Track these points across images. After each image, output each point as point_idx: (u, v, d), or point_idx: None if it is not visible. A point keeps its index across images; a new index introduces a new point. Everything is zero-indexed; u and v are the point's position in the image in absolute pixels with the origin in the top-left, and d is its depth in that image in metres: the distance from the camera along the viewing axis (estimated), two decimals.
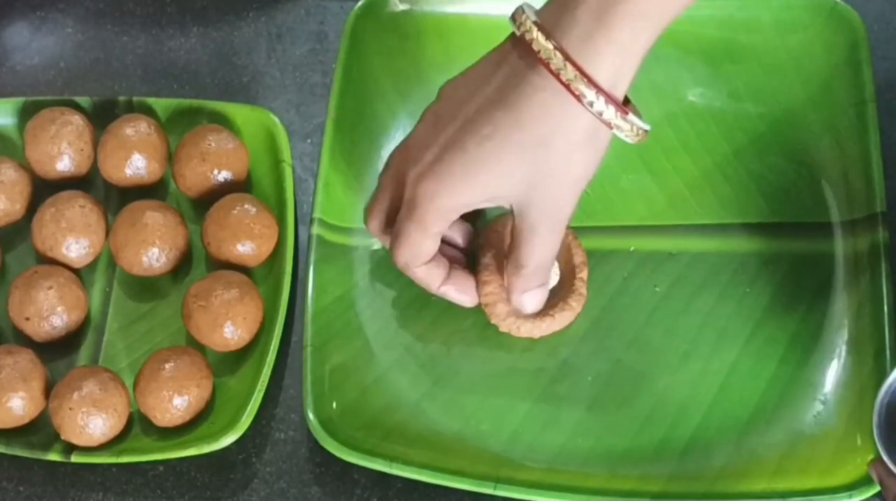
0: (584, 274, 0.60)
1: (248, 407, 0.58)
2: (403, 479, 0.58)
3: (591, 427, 0.59)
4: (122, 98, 0.67)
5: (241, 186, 0.65)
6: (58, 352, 0.62)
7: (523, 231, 0.53)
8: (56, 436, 0.59)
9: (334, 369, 0.60)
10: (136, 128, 0.64)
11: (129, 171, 0.64)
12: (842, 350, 0.60)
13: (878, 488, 0.55)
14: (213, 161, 0.64)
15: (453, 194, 0.52)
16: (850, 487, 0.55)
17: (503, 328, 0.60)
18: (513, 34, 0.52)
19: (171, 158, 0.66)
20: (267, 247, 0.63)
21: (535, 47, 0.49)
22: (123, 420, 0.59)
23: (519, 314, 0.59)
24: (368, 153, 0.66)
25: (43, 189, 0.65)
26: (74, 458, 0.58)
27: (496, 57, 0.53)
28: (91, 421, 0.58)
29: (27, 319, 0.61)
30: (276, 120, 0.66)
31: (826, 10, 0.66)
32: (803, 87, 0.66)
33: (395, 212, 0.56)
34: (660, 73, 0.67)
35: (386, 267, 0.64)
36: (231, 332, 0.60)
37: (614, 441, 0.58)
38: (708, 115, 0.67)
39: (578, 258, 0.61)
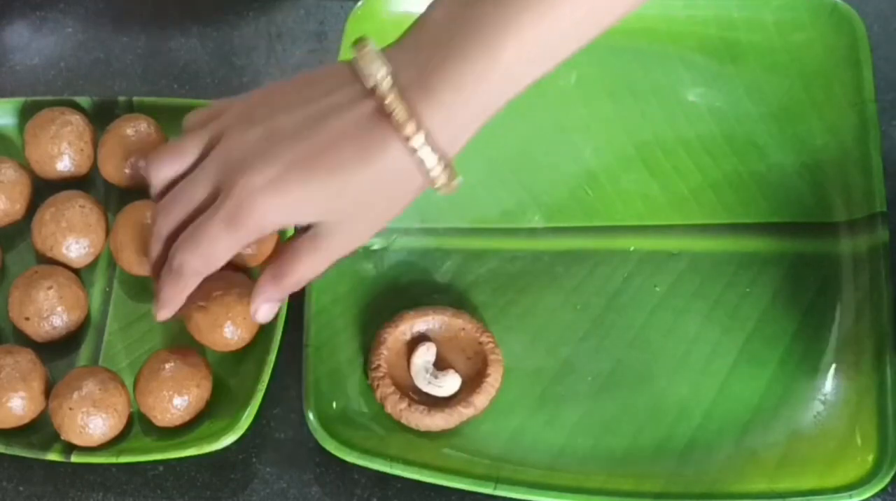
0: (494, 376, 0.59)
1: (249, 407, 0.58)
2: (403, 479, 0.58)
3: (590, 427, 0.59)
4: (122, 98, 0.67)
5: None
6: (58, 352, 0.62)
7: (308, 249, 0.53)
8: (56, 436, 0.58)
9: (334, 369, 0.60)
10: (135, 128, 0.64)
11: (128, 171, 0.64)
12: (842, 350, 0.60)
13: (877, 488, 0.55)
14: None
15: (285, 214, 0.51)
16: (850, 487, 0.55)
17: (404, 420, 0.59)
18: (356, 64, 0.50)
19: None
20: (267, 247, 0.63)
21: (396, 120, 0.49)
22: (123, 420, 0.59)
23: (421, 408, 0.59)
24: None
25: (43, 189, 0.65)
26: (74, 458, 0.58)
27: (340, 81, 0.51)
28: (91, 421, 0.57)
29: (27, 319, 0.61)
30: None
31: (826, 10, 0.66)
32: (804, 87, 0.66)
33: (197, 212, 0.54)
34: (660, 73, 0.67)
35: (387, 267, 0.64)
36: (231, 332, 0.60)
37: (614, 440, 0.58)
38: (708, 115, 0.67)
39: (493, 365, 0.60)
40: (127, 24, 0.73)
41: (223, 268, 0.62)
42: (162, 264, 0.55)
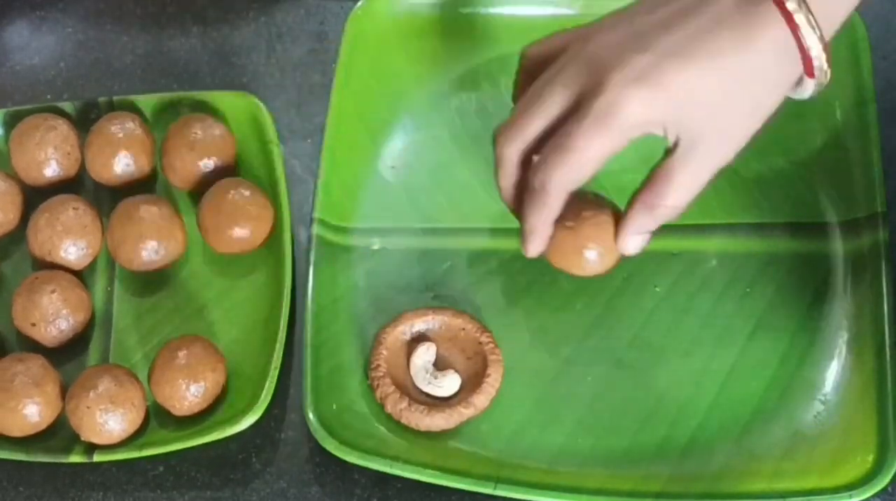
0: (494, 376, 0.59)
1: (265, 388, 0.58)
2: (403, 479, 0.57)
3: (591, 427, 0.59)
4: (102, 99, 0.67)
5: (231, 172, 0.65)
6: (67, 355, 0.62)
7: (680, 168, 0.50)
8: (76, 438, 0.58)
9: (334, 369, 0.60)
10: (120, 126, 0.65)
11: (117, 169, 0.64)
12: (842, 350, 0.60)
13: (877, 488, 0.55)
14: (201, 149, 0.64)
15: (661, 107, 0.48)
16: (850, 487, 0.55)
17: (404, 420, 0.58)
18: None
19: (158, 152, 0.66)
20: (264, 228, 0.63)
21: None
22: (142, 414, 0.59)
23: (421, 408, 0.58)
24: (368, 153, 0.66)
25: (33, 196, 0.65)
26: (97, 457, 0.58)
27: None
28: (110, 418, 0.57)
29: (33, 325, 0.61)
30: (259, 103, 0.66)
31: None
32: None
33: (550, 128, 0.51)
34: None
35: (386, 267, 0.64)
36: (595, 257, 0.56)
37: (614, 440, 0.58)
38: None
39: (493, 365, 0.60)
40: (127, 24, 0.73)
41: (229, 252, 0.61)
42: (518, 193, 0.53)
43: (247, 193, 0.62)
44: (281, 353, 0.59)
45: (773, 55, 0.48)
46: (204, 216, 0.63)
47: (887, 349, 0.58)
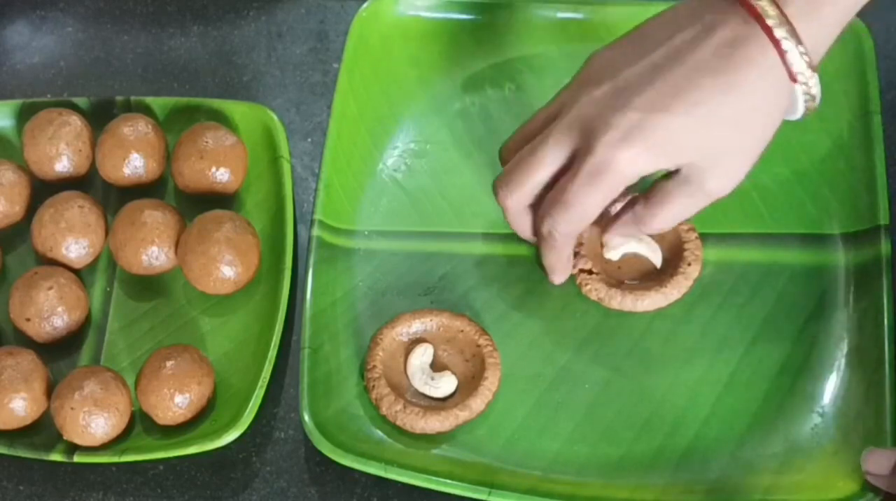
0: (491, 380, 0.59)
1: (250, 405, 0.58)
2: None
3: (587, 435, 0.59)
4: (119, 98, 0.67)
5: (239, 183, 0.65)
6: (59, 353, 0.62)
7: (679, 194, 0.52)
8: (58, 437, 0.59)
9: (331, 371, 0.60)
10: (133, 128, 0.64)
11: (127, 171, 0.64)
12: (840, 363, 0.59)
13: None
14: (211, 158, 0.64)
15: (651, 160, 0.50)
16: (846, 500, 0.55)
17: (399, 422, 0.59)
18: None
19: (169, 157, 0.66)
20: (251, 260, 0.62)
21: (768, 21, 0.48)
22: (125, 420, 0.59)
23: (417, 410, 0.59)
24: (370, 155, 0.66)
25: (42, 190, 0.65)
26: (77, 458, 0.58)
27: (690, 15, 0.51)
28: (93, 421, 0.58)
29: (28, 320, 0.61)
30: (274, 116, 0.66)
31: None
32: None
33: (552, 180, 0.53)
34: None
35: (385, 270, 0.64)
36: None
37: (610, 449, 0.58)
38: None
39: (490, 368, 0.60)
40: (127, 24, 0.72)
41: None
42: (535, 232, 0.56)
43: (231, 234, 0.61)
44: (269, 373, 0.59)
45: (760, 91, 0.49)
46: (184, 254, 0.62)
47: (886, 363, 0.58)
